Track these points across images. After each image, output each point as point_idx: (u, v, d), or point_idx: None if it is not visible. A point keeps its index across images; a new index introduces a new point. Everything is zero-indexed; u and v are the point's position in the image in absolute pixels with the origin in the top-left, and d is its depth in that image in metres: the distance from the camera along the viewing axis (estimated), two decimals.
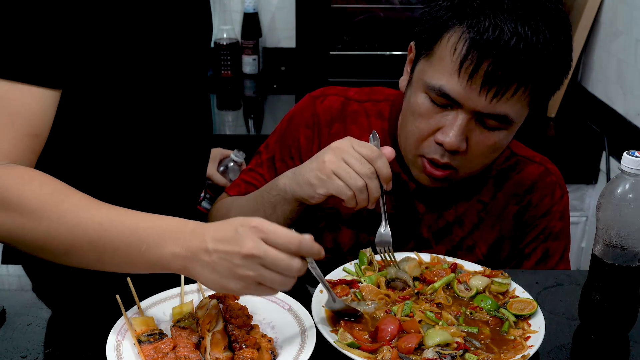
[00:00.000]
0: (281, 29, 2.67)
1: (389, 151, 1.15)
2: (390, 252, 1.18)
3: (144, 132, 1.19)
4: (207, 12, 1.29)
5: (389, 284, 1.12)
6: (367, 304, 1.07)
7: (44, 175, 0.97)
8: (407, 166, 1.28)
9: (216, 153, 1.66)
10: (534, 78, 1.10)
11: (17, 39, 0.98)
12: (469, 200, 1.31)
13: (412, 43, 1.24)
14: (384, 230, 1.19)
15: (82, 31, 1.02)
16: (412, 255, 1.21)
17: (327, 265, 1.19)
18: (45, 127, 1.02)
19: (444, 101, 1.13)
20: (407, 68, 1.26)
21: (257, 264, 0.86)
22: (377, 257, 1.19)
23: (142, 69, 1.13)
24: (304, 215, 1.26)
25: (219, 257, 0.87)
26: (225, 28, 2.61)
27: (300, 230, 1.16)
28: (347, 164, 1.11)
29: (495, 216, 1.31)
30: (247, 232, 0.86)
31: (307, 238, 0.89)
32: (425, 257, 1.22)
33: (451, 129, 1.13)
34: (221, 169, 1.62)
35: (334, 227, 1.33)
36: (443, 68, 1.12)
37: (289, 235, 0.87)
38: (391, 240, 1.18)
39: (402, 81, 1.26)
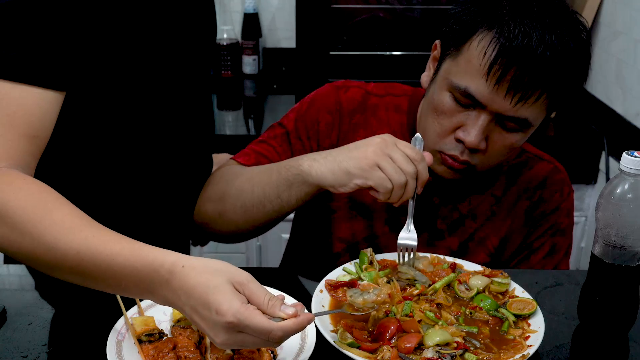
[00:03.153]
0: (281, 29, 2.67)
1: (428, 157, 1.16)
2: (412, 253, 1.17)
3: (147, 132, 1.18)
4: (212, 12, 1.29)
5: (389, 283, 1.12)
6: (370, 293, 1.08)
7: (34, 183, 0.95)
8: None
9: (222, 158, 1.66)
10: (557, 85, 1.14)
11: (19, 40, 0.97)
12: (483, 194, 1.33)
13: (437, 41, 1.26)
14: (410, 232, 1.18)
15: (85, 32, 1.02)
16: (427, 255, 1.21)
17: (343, 254, 1.19)
18: (45, 128, 1.00)
19: (468, 101, 1.16)
20: (430, 65, 1.29)
21: (234, 345, 0.86)
22: (378, 258, 1.19)
23: (146, 69, 1.13)
24: (317, 205, 1.26)
25: (197, 322, 0.86)
26: (226, 28, 2.61)
27: (314, 218, 1.15)
28: (393, 160, 1.12)
29: (507, 210, 1.34)
30: (221, 328, 0.83)
31: (287, 327, 0.84)
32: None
33: (473, 128, 1.16)
34: None
35: (349, 216, 1.33)
36: (470, 70, 1.14)
37: (267, 330, 0.83)
38: (416, 243, 1.18)
39: (425, 77, 1.29)
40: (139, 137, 1.17)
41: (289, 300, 1.06)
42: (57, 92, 1.01)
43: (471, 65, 1.14)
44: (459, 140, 1.19)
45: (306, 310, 0.88)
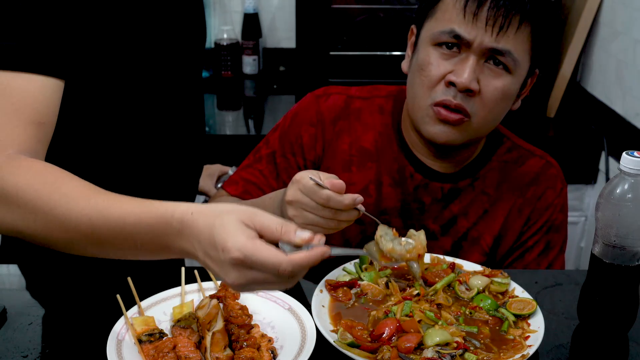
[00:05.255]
0: (281, 29, 2.67)
1: (337, 185, 1.02)
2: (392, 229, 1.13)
3: (136, 131, 1.19)
4: (201, 16, 1.30)
5: (388, 284, 1.13)
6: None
7: (42, 164, 0.96)
8: (414, 157, 1.29)
9: (214, 169, 1.66)
10: (533, 13, 1.18)
11: (16, 29, 0.98)
12: (474, 191, 1.33)
13: (412, 26, 1.30)
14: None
15: (80, 24, 1.03)
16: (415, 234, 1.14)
17: (335, 260, 1.19)
18: (51, 115, 1.01)
19: (453, 41, 1.20)
20: (408, 52, 1.32)
21: (247, 286, 0.83)
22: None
23: (137, 67, 1.13)
24: None
25: (211, 267, 0.84)
26: (226, 28, 2.61)
27: None
28: (311, 213, 1.05)
29: (500, 207, 1.34)
30: (229, 266, 0.80)
31: (298, 260, 0.80)
32: (425, 257, 1.22)
33: (463, 69, 1.19)
34: (219, 185, 1.61)
35: None
36: (448, 16, 1.20)
37: (275, 263, 0.79)
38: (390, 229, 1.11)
39: (405, 62, 1.32)
40: (129, 133, 1.18)
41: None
42: (58, 79, 1.01)
43: (449, 12, 1.20)
44: (450, 85, 1.20)
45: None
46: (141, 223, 0.86)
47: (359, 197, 1.02)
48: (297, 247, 0.81)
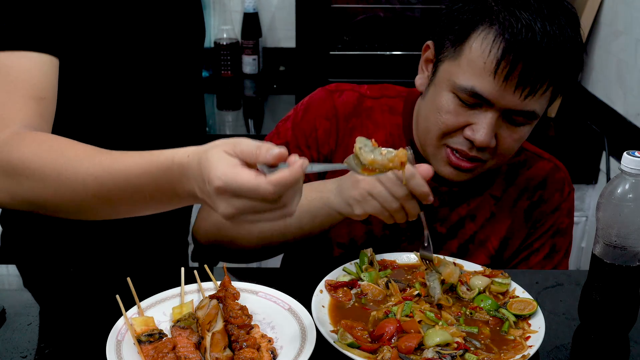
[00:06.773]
0: (281, 29, 2.67)
1: (425, 169, 1.07)
2: (430, 265, 1.15)
3: (136, 131, 1.19)
4: (199, 13, 1.29)
5: (388, 284, 1.12)
6: None
7: (44, 134, 0.98)
8: (422, 159, 1.28)
9: None
10: (561, 74, 1.14)
11: (7, 10, 0.99)
12: (482, 195, 1.32)
13: (429, 42, 1.24)
14: (426, 245, 1.14)
15: (75, 12, 1.04)
16: (449, 260, 1.18)
17: (342, 259, 1.20)
18: (50, 90, 1.02)
19: (474, 101, 1.15)
20: (423, 67, 1.27)
21: (244, 216, 0.82)
22: (378, 258, 1.19)
23: (133, 63, 1.13)
24: None
25: (206, 202, 0.84)
26: (225, 28, 2.61)
27: None
28: (382, 185, 1.07)
29: (507, 210, 1.33)
30: (215, 196, 0.81)
31: (276, 179, 0.78)
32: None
33: (482, 127, 1.15)
34: None
35: (347, 221, 1.32)
36: (474, 69, 1.13)
37: (253, 187, 0.78)
38: (432, 255, 1.15)
39: (420, 79, 1.27)
40: (129, 136, 1.18)
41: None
42: (52, 56, 1.03)
43: (475, 65, 1.13)
44: (468, 139, 1.17)
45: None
46: (145, 174, 0.89)
47: (430, 195, 1.05)
48: (275, 167, 0.80)
